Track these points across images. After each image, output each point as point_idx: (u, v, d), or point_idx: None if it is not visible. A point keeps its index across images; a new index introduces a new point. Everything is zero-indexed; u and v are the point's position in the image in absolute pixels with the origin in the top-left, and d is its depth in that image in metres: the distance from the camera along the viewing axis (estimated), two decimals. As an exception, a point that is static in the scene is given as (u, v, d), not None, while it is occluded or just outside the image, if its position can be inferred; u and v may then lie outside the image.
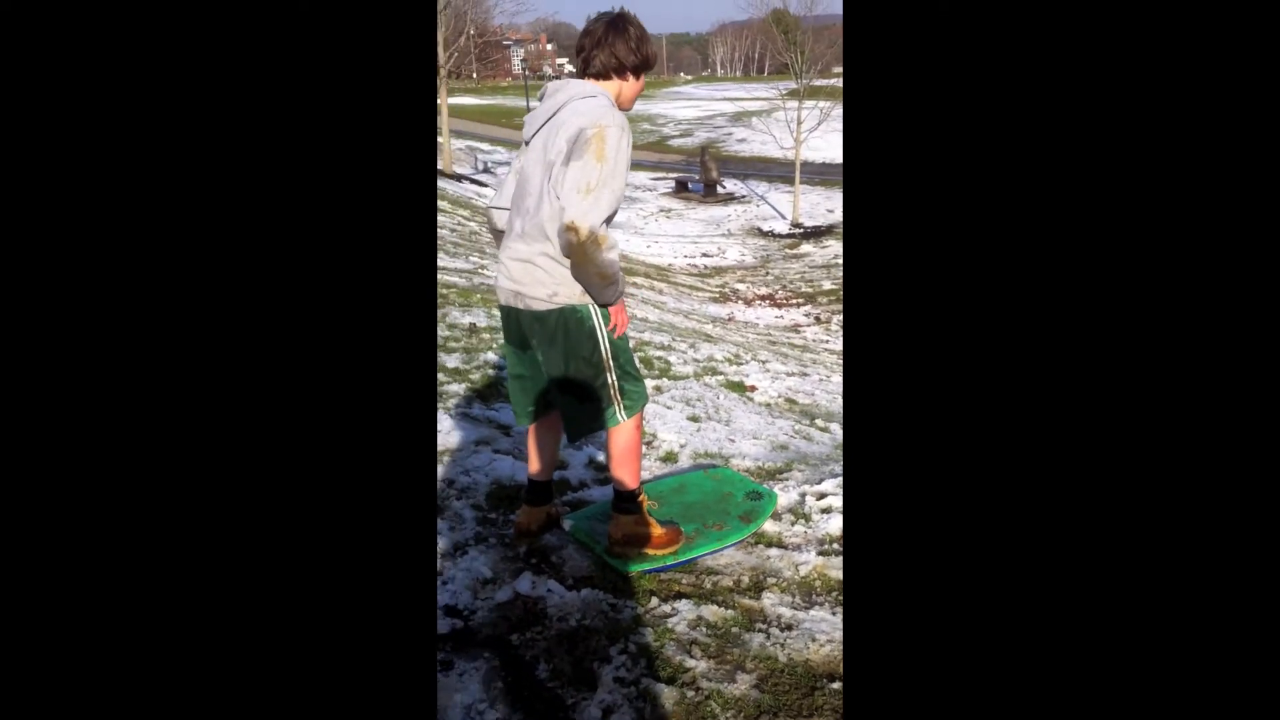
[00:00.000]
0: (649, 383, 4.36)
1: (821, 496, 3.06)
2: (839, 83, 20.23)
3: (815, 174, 21.35)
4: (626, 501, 2.23)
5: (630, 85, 2.04)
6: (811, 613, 2.16)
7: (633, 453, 2.19)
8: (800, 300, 12.44)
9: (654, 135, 32.71)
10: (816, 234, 16.76)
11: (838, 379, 6.11)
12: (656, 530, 2.27)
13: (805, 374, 5.97)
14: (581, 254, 1.86)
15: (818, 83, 19.78)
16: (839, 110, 18.68)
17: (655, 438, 3.49)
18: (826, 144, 22.59)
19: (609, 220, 1.91)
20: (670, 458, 3.31)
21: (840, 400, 4.99)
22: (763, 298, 12.54)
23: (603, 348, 2.05)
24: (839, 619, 2.14)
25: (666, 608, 2.11)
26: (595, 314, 2.03)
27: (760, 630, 2.04)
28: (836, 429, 4.14)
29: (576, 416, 2.11)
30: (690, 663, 1.88)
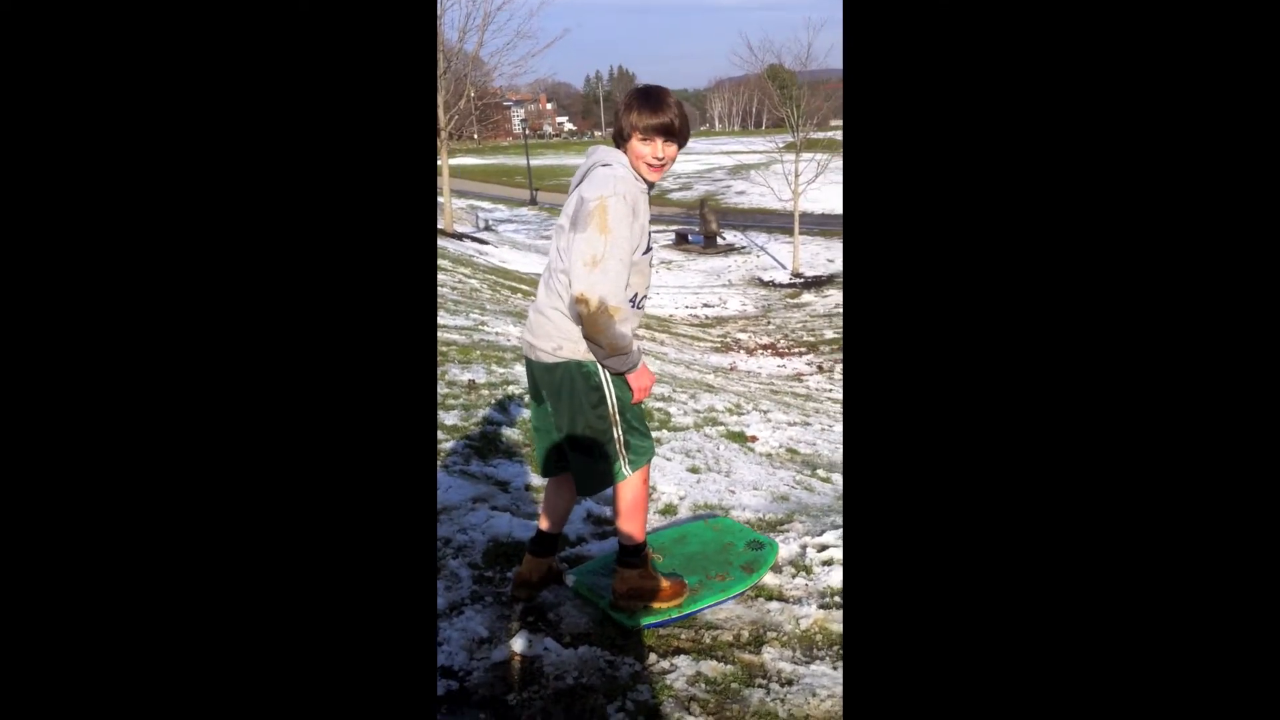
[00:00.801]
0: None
1: (823, 548, 3.04)
2: (836, 135, 20.55)
3: (815, 224, 21.56)
4: (631, 555, 2.22)
5: (644, 150, 1.99)
6: (812, 667, 2.13)
7: (639, 507, 2.18)
8: (803, 349, 12.46)
9: (654, 190, 33.16)
10: (817, 283, 16.87)
11: (839, 428, 6.09)
12: (661, 583, 2.26)
13: (808, 423, 5.96)
14: (592, 324, 1.90)
15: (814, 135, 20.10)
16: (836, 163, 18.94)
17: (655, 490, 3.48)
18: (824, 195, 22.85)
19: (634, 296, 2.00)
20: (670, 510, 3.30)
21: (841, 451, 4.97)
22: (765, 347, 12.57)
23: (609, 402, 2.06)
24: (840, 673, 2.10)
25: (665, 664, 2.08)
26: (602, 369, 2.04)
27: (760, 685, 2.01)
28: (839, 479, 4.12)
29: (585, 471, 2.12)
30: (689, 719, 1.85)
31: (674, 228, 22.84)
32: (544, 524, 2.36)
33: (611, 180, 1.92)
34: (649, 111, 1.97)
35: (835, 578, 2.69)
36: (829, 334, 13.21)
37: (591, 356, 2.01)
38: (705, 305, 15.92)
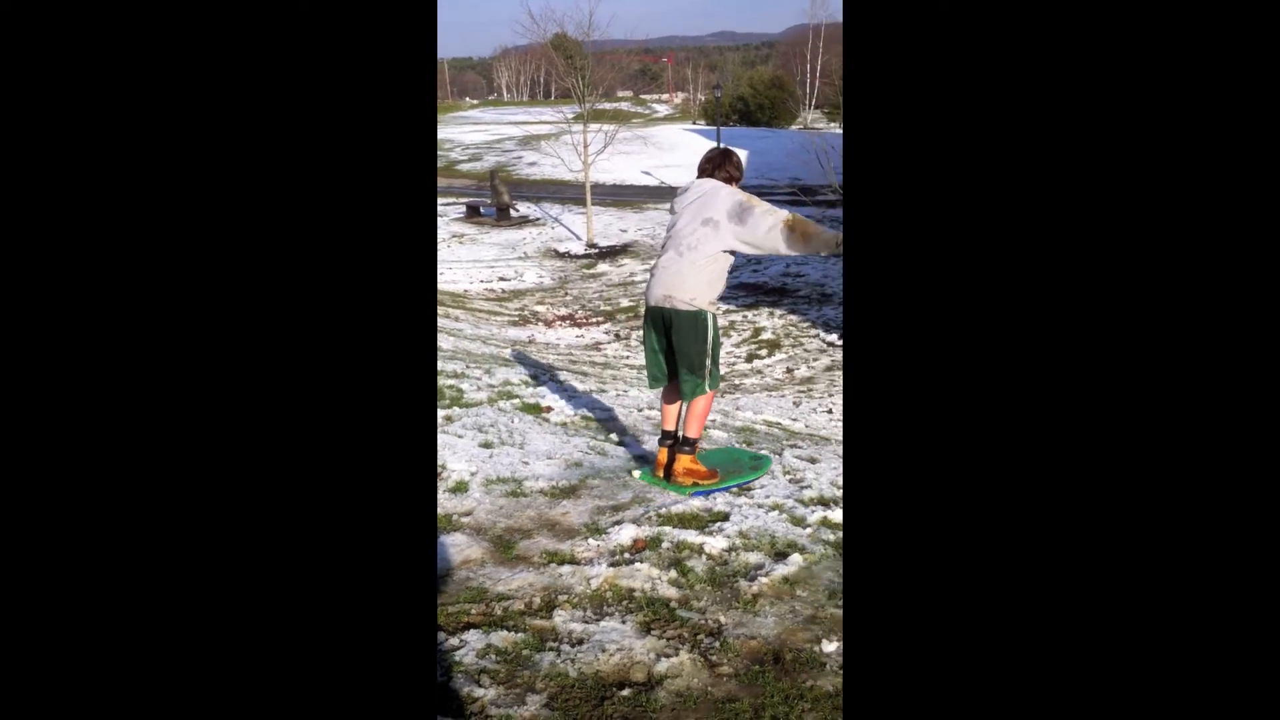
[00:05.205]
0: (440, 412, 4.26)
1: (616, 509, 3.13)
2: (623, 106, 20.74)
3: (607, 195, 21.82)
4: (688, 445, 3.35)
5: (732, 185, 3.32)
6: (602, 624, 2.19)
7: (704, 415, 3.37)
8: (600, 319, 12.65)
9: (442, 160, 32.17)
10: (612, 253, 17.13)
11: (635, 393, 6.26)
12: (703, 468, 3.39)
13: (604, 390, 6.08)
14: (801, 226, 3.10)
15: (602, 106, 20.24)
16: (625, 133, 19.19)
17: (445, 468, 3.41)
18: (615, 166, 23.19)
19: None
20: (460, 487, 3.25)
21: (635, 414, 5.11)
22: (563, 318, 12.63)
23: (710, 341, 3.22)
24: (629, 626, 2.18)
25: (454, 640, 2.06)
26: (711, 319, 3.21)
27: (551, 649, 2.05)
28: (632, 441, 4.24)
29: (688, 383, 3.26)
30: (479, 692, 1.85)
31: (465, 200, 22.30)
32: (667, 424, 3.45)
33: (737, 189, 3.28)
34: (741, 168, 3.40)
35: (625, 535, 2.78)
36: (625, 302, 13.49)
37: (707, 309, 3.19)
38: (501, 279, 15.72)
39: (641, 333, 3.50)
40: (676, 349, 3.23)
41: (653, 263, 3.30)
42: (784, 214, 3.15)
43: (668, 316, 3.21)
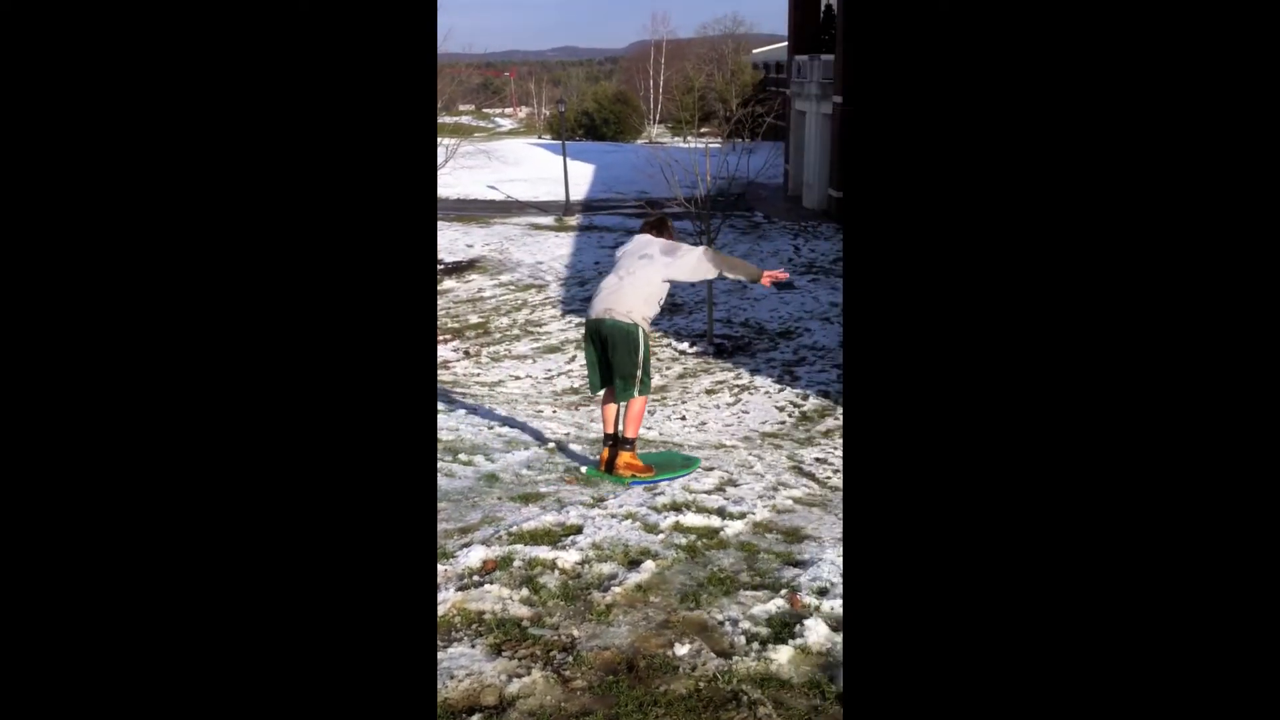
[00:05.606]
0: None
1: (464, 531, 3.04)
2: (465, 120, 20.43)
3: (452, 210, 21.42)
4: (628, 444, 3.99)
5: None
6: (450, 650, 2.11)
7: (639, 417, 3.98)
8: (448, 336, 12.38)
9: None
10: (458, 269, 16.82)
11: (485, 409, 6.14)
12: (640, 463, 4.05)
13: (451, 410, 5.93)
14: (718, 256, 3.95)
15: (443, 120, 19.83)
16: (466, 147, 18.91)
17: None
18: (458, 180, 22.80)
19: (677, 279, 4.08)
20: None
21: (485, 432, 5.01)
22: (409, 337, 12.27)
23: (641, 352, 3.83)
24: (478, 650, 2.12)
25: (289, 684, 1.93)
26: (642, 334, 3.81)
27: (395, 682, 1.95)
28: (481, 460, 4.15)
29: (621, 388, 3.85)
30: (317, 737, 1.73)
31: (301, 218, 21.26)
32: (607, 428, 4.08)
33: (668, 242, 4.04)
34: (674, 230, 4.20)
35: (474, 557, 2.70)
36: (474, 319, 13.27)
37: (640, 324, 3.79)
38: (342, 299, 15.09)
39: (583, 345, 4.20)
40: (612, 360, 3.81)
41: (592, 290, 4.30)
42: (702, 248, 4.00)
43: (605, 331, 3.81)
